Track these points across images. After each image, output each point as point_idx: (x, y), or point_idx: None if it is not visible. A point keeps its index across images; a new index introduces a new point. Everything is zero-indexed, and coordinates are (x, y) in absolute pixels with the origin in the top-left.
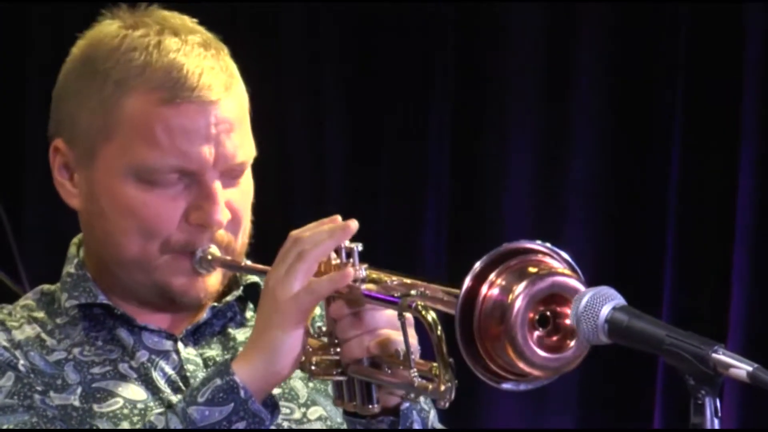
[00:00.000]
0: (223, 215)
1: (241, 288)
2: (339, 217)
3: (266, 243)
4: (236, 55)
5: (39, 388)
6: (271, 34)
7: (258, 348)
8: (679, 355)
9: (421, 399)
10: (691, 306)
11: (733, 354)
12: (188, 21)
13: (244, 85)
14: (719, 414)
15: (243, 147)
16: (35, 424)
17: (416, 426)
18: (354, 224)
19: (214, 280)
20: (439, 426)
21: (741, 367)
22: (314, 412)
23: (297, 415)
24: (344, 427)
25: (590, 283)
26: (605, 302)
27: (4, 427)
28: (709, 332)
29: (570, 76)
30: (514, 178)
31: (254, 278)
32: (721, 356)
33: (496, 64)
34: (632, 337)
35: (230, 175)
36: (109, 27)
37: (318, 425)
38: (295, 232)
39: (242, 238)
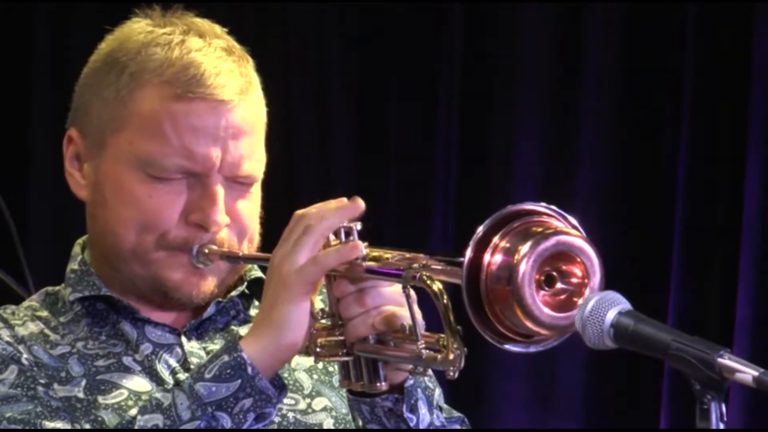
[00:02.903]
0: (222, 218)
1: (245, 284)
2: (345, 199)
3: (272, 244)
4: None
5: (42, 381)
6: (278, 32)
7: (266, 325)
8: (684, 360)
9: (426, 379)
10: (697, 311)
11: (739, 359)
12: (217, 28)
13: None
14: (725, 419)
15: (251, 159)
16: (39, 413)
17: (421, 404)
18: (361, 202)
19: (210, 282)
20: (443, 405)
21: (747, 372)
22: (319, 402)
23: (302, 405)
24: (349, 417)
25: None
26: (611, 307)
27: (7, 415)
28: (716, 337)
29: (577, 74)
30: (520, 176)
31: (259, 274)
32: (727, 361)
33: (504, 61)
34: (638, 342)
35: (237, 184)
36: (137, 24)
37: (323, 416)
38: (300, 211)
39: (247, 248)
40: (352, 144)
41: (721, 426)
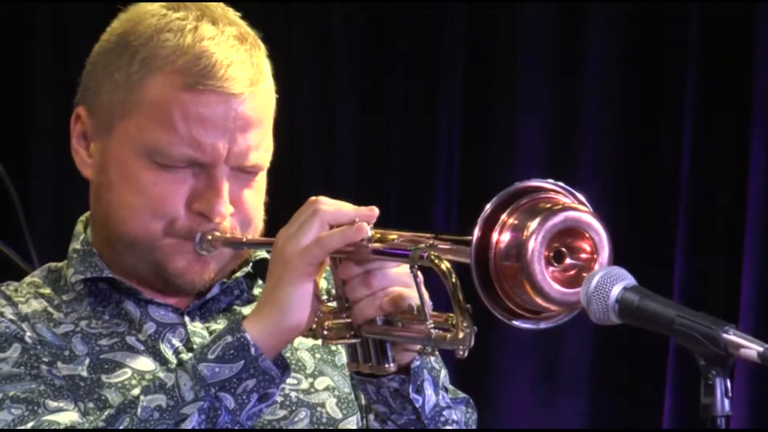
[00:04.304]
0: (225, 209)
1: (250, 264)
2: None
3: (276, 230)
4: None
5: (46, 359)
6: (281, 16)
7: (268, 305)
8: (689, 336)
9: (432, 359)
10: (702, 288)
11: (744, 334)
12: (231, 13)
13: None
14: (730, 394)
15: (258, 149)
16: (43, 392)
17: (427, 384)
18: (376, 210)
19: (212, 269)
20: (449, 386)
21: (752, 348)
22: (321, 382)
23: (304, 385)
24: (352, 397)
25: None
26: (616, 282)
27: (10, 394)
28: (721, 314)
29: (581, 53)
30: (524, 155)
31: (264, 254)
32: (732, 336)
33: (507, 41)
34: (643, 318)
35: (243, 173)
36: (151, 5)
37: (325, 395)
38: (315, 197)
39: (252, 235)
40: (355, 128)
41: (726, 401)
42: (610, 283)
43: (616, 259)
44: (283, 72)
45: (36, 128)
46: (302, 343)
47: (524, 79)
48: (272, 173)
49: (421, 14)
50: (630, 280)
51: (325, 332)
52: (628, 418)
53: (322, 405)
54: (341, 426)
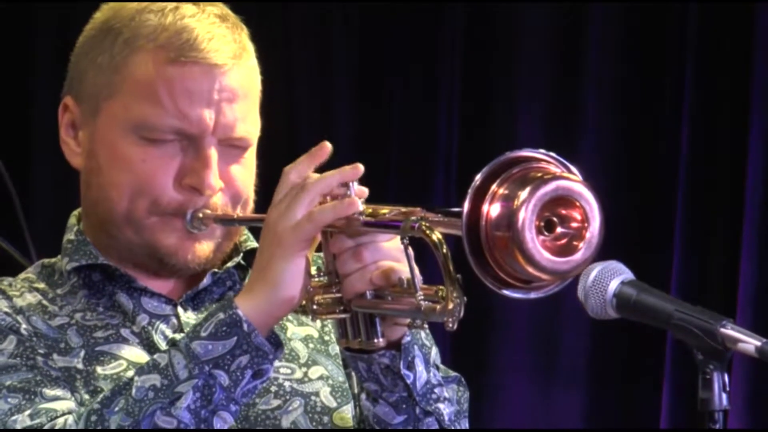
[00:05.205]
0: (215, 181)
1: (241, 255)
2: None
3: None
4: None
5: (41, 351)
6: (281, 5)
7: (261, 282)
8: (687, 330)
9: (422, 336)
10: (700, 283)
11: (742, 329)
12: None
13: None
14: (727, 389)
15: (245, 122)
16: (39, 381)
17: (418, 361)
18: (361, 167)
19: (205, 246)
20: (440, 364)
21: (749, 342)
22: (315, 371)
23: (298, 374)
24: (346, 385)
25: (599, 257)
26: (613, 276)
27: (7, 383)
28: (719, 307)
29: (581, 48)
30: (523, 143)
31: (255, 245)
32: (730, 331)
33: (506, 30)
34: (641, 312)
35: (231, 148)
36: None
37: (319, 384)
38: (288, 167)
39: (243, 213)
40: (353, 112)
41: (724, 396)
42: (608, 277)
43: (615, 249)
44: (282, 61)
45: (36, 126)
46: (295, 333)
47: (523, 68)
48: (269, 160)
49: (421, 3)
50: (628, 274)
51: (315, 307)
52: (625, 412)
53: (317, 394)
54: (336, 414)
